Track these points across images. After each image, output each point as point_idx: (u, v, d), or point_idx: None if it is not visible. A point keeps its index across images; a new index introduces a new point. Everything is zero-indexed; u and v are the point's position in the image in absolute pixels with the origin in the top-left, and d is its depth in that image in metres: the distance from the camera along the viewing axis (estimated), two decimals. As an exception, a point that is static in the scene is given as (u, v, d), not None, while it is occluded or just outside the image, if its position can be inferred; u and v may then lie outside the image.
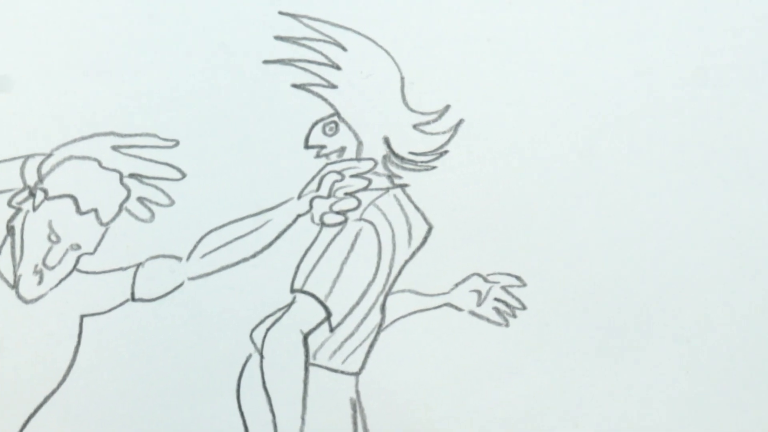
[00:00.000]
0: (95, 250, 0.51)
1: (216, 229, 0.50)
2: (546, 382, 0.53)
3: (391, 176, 0.52)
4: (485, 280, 0.51)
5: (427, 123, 0.51)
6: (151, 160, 0.51)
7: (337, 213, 0.51)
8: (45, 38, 0.50)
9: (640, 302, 0.53)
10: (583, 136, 0.53)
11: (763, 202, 0.54)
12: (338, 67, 0.51)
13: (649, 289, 0.53)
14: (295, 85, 0.51)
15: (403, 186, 0.51)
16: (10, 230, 0.50)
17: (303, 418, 0.51)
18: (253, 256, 0.50)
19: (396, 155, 0.51)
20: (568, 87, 0.53)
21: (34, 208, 0.50)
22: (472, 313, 0.51)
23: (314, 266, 0.51)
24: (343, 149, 0.51)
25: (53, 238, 0.50)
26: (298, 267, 0.51)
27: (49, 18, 0.50)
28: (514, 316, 0.51)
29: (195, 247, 0.50)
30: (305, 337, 0.51)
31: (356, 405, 0.51)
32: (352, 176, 0.51)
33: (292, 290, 0.51)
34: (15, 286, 0.50)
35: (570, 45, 0.52)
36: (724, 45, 0.53)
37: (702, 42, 0.53)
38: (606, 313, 0.52)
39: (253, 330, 0.51)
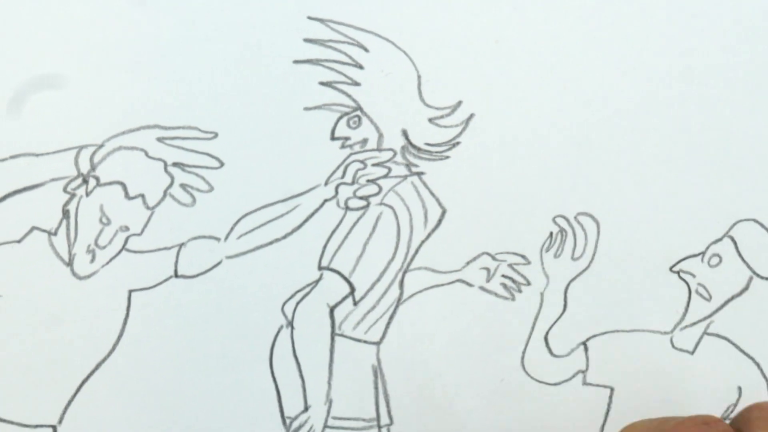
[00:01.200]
0: (142, 231, 0.51)
1: (251, 212, 0.51)
2: (546, 351, 0.54)
3: (408, 165, 0.53)
4: (493, 258, 0.52)
5: (441, 117, 0.52)
6: (192, 151, 0.51)
7: (360, 198, 0.52)
8: (95, 41, 0.50)
9: (630, 281, 0.53)
10: (580, 130, 0.53)
11: (747, 194, 0.54)
12: (361, 67, 0.51)
13: (643, 266, 0.53)
14: (322, 83, 0.51)
15: (419, 174, 0.53)
16: (66, 213, 0.50)
17: (329, 383, 0.52)
18: (284, 237, 0.51)
19: (413, 146, 0.52)
20: (566, 85, 0.53)
21: (87, 194, 0.50)
22: (482, 288, 0.53)
23: (339, 246, 0.52)
24: (365, 141, 0.52)
25: (104, 220, 0.50)
26: (324, 247, 0.52)
27: (98, 23, 0.50)
28: (520, 291, 0.53)
29: (232, 228, 0.51)
30: (331, 310, 0.52)
31: (377, 371, 0.52)
32: (373, 165, 0.52)
33: (320, 268, 0.52)
34: (70, 263, 0.50)
35: (568, 47, 0.53)
36: (710, 47, 0.53)
37: (689, 45, 0.53)
38: (601, 288, 0.53)
39: (284, 304, 0.52)
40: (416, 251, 0.53)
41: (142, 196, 0.51)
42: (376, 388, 0.52)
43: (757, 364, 0.54)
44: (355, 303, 0.52)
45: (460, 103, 0.52)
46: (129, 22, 0.50)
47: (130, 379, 0.51)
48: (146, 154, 0.51)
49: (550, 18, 0.53)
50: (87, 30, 0.50)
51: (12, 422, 0.50)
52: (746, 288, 0.54)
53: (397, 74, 0.52)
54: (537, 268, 0.53)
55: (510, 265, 0.53)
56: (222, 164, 0.51)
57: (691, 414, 0.51)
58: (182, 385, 0.51)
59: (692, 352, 0.53)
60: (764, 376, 0.54)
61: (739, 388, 0.53)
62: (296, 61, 0.51)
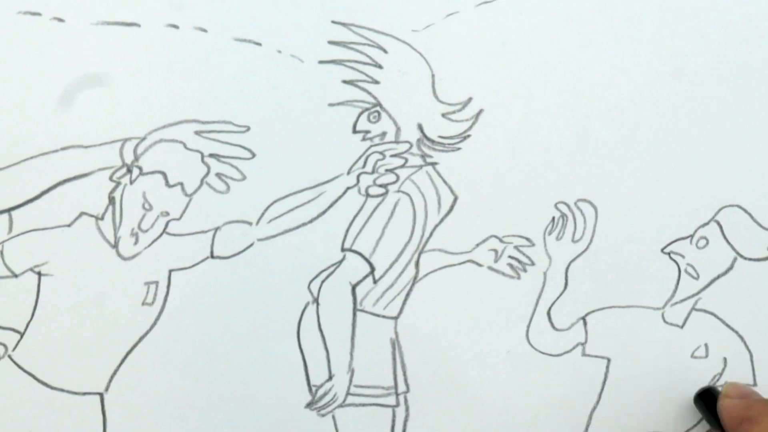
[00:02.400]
0: (181, 216, 0.51)
1: (280, 199, 0.52)
2: (549, 325, 0.54)
3: (423, 156, 0.53)
4: (501, 240, 0.53)
5: (453, 112, 0.53)
6: (226, 143, 0.52)
7: (380, 186, 0.53)
8: (138, 43, 0.50)
9: (625, 262, 0.54)
10: (579, 124, 0.54)
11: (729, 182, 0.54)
12: (380, 66, 0.52)
13: (637, 248, 0.54)
14: (345, 81, 0.52)
15: (433, 164, 0.53)
16: (112, 200, 0.51)
17: (351, 354, 0.53)
18: (310, 221, 0.52)
19: (428, 138, 0.53)
20: (567, 83, 0.53)
21: (131, 182, 0.51)
22: (490, 268, 0.53)
23: (361, 229, 0.53)
24: (384, 134, 0.53)
25: (146, 206, 0.51)
26: (347, 230, 0.53)
27: (141, 27, 0.50)
28: (525, 270, 0.54)
29: (263, 214, 0.52)
30: (353, 288, 0.53)
31: (395, 343, 0.53)
32: (391, 156, 0.53)
33: (343, 249, 0.53)
34: (115, 245, 0.51)
35: (569, 48, 0.53)
36: (697, 51, 0.54)
37: (678, 49, 0.54)
38: (599, 268, 0.54)
39: (310, 282, 0.52)
40: (430, 234, 0.53)
41: (181, 184, 0.51)
42: (394, 359, 0.53)
43: (741, 338, 0.54)
44: (375, 281, 0.53)
45: (470, 99, 0.53)
46: (169, 27, 0.51)
47: (171, 351, 0.51)
48: (185, 146, 0.51)
49: (552, 22, 0.53)
50: (130, 33, 0.50)
51: (64, 390, 0.50)
52: (731, 268, 0.54)
53: (413, 73, 0.53)
54: (540, 249, 0.54)
55: (516, 247, 0.53)
56: (254, 155, 0.52)
57: (679, 382, 0.53)
58: (217, 356, 0.52)
59: (682, 326, 0.54)
60: (748, 349, 0.54)
61: (725, 359, 0.54)
62: (321, 62, 0.52)
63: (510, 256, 0.53)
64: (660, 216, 0.54)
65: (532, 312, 0.53)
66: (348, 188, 0.53)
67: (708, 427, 0.54)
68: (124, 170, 0.51)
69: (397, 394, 0.53)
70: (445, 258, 0.53)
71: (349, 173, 0.53)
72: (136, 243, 0.51)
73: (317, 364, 0.53)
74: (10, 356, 0.50)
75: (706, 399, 0.52)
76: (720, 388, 0.52)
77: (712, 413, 0.51)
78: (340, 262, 0.53)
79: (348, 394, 0.53)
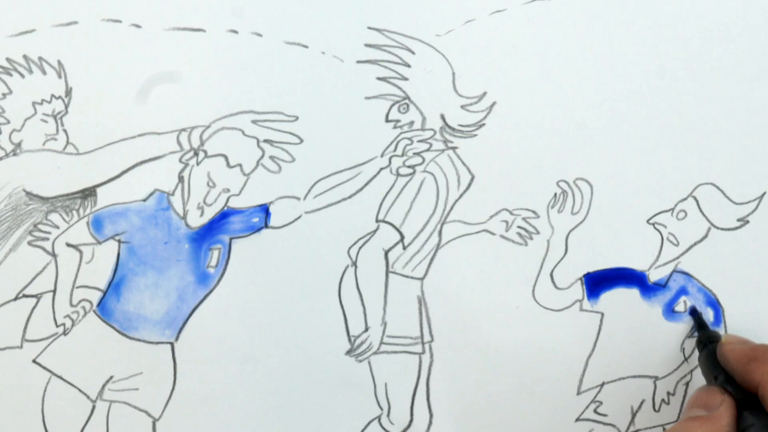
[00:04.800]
0: (240, 192, 0.52)
1: (324, 177, 0.53)
2: (551, 284, 0.55)
3: (445, 141, 0.54)
4: (511, 213, 0.54)
5: (470, 104, 0.53)
6: (278, 130, 0.52)
7: (408, 167, 0.54)
8: (204, 45, 0.51)
9: (616, 231, 0.54)
10: (578, 114, 0.54)
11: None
12: (408, 65, 0.53)
13: (626, 219, 0.55)
14: (379, 78, 0.53)
15: (454, 148, 0.54)
16: (181, 179, 0.52)
17: (384, 309, 0.54)
18: (350, 196, 0.53)
19: (449, 126, 0.53)
20: (567, 80, 0.54)
21: (198, 164, 0.52)
22: (502, 236, 0.54)
23: (392, 204, 0.54)
24: (412, 122, 0.53)
25: (210, 184, 0.52)
26: (380, 204, 0.54)
27: (207, 31, 0.51)
28: (531, 238, 0.54)
29: (309, 190, 0.53)
30: (386, 253, 0.54)
31: (421, 300, 0.54)
32: (418, 141, 0.53)
33: (377, 220, 0.54)
34: (184, 217, 0.52)
35: (569, 50, 0.54)
36: (678, 50, 0.54)
37: (661, 49, 0.54)
38: (594, 236, 0.54)
39: (349, 248, 0.54)
40: (451, 208, 0.54)
41: (240, 165, 0.52)
42: (421, 313, 0.54)
43: (714, 294, 0.55)
44: (404, 248, 0.54)
45: (485, 93, 0.53)
46: (230, 32, 0.52)
47: (231, 307, 0.53)
48: (243, 133, 0.52)
49: (554, 29, 0.53)
50: (197, 37, 0.52)
51: (140, 340, 0.53)
52: (706, 236, 0.54)
53: (436, 71, 0.53)
54: (544, 220, 0.54)
55: (524, 218, 0.54)
56: (301, 140, 0.53)
57: (662, 331, 0.52)
58: (271, 311, 0.53)
59: (664, 285, 0.54)
60: (719, 302, 0.54)
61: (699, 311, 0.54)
62: (359, 61, 0.52)
63: (519, 226, 0.54)
64: (645, 192, 0.54)
65: (537, 273, 0.54)
66: (381, 169, 0.53)
67: (687, 370, 0.54)
68: (191, 153, 0.52)
69: (423, 343, 0.54)
70: (463, 228, 0.54)
71: (382, 156, 0.53)
72: (201, 215, 0.52)
73: (355, 318, 0.54)
74: (94, 311, 0.52)
75: (702, 345, 0.51)
76: (714, 334, 0.52)
77: (708, 359, 0.50)
78: (375, 231, 0.54)
79: (381, 343, 0.54)
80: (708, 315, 0.54)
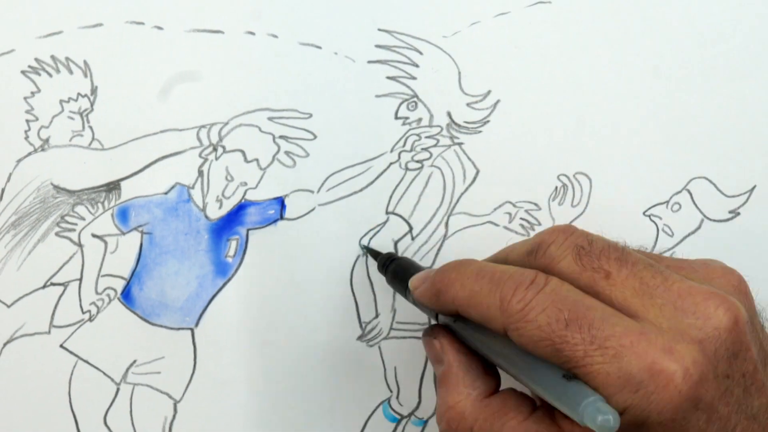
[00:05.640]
0: (257, 185, 0.53)
1: (336, 171, 0.53)
2: None
3: (452, 137, 0.54)
4: (514, 205, 0.54)
5: (476, 102, 0.54)
6: (293, 127, 0.53)
7: (416, 162, 0.54)
8: (223, 45, 0.52)
9: (613, 222, 0.54)
10: (577, 111, 0.55)
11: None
12: (417, 65, 0.53)
13: (623, 211, 0.55)
14: (388, 77, 0.53)
15: (460, 144, 0.54)
16: (200, 173, 0.52)
17: (394, 297, 0.54)
18: (361, 190, 0.54)
19: (455, 123, 0.54)
20: (567, 79, 0.54)
21: (216, 158, 0.52)
22: (506, 227, 0.55)
23: (401, 197, 0.54)
24: (420, 119, 0.54)
25: (228, 178, 0.52)
26: (390, 197, 0.54)
27: (226, 33, 0.52)
28: (533, 229, 0.55)
29: (322, 183, 0.53)
30: (395, 244, 0.54)
31: None
32: (426, 137, 0.54)
33: (387, 212, 0.54)
34: (203, 209, 0.52)
35: (569, 51, 0.54)
36: (672, 51, 0.55)
37: (656, 50, 0.55)
38: (593, 228, 0.49)
39: (360, 239, 0.54)
40: (457, 200, 0.54)
41: (257, 160, 0.53)
42: None
43: None
44: (413, 238, 0.54)
45: (489, 92, 0.54)
46: (247, 33, 0.52)
47: (248, 294, 0.53)
48: (260, 129, 0.52)
49: (555, 31, 0.54)
50: (216, 38, 0.52)
51: (162, 326, 0.53)
52: (699, 227, 0.55)
53: (443, 71, 0.53)
54: (546, 212, 0.55)
55: (526, 210, 0.54)
56: (315, 137, 0.53)
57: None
58: (285, 298, 0.54)
59: None
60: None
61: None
62: (370, 61, 0.53)
63: (521, 218, 0.54)
64: (642, 185, 0.55)
65: None
66: (391, 163, 0.54)
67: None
68: (210, 149, 0.52)
69: None
70: (469, 219, 0.54)
71: (391, 151, 0.53)
72: (220, 207, 0.52)
73: (366, 305, 0.54)
74: (119, 299, 0.53)
75: (384, 269, 0.51)
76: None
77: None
78: (385, 222, 0.54)
79: (391, 329, 0.54)
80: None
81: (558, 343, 0.37)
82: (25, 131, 0.51)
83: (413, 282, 0.46)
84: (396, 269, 0.50)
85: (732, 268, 0.43)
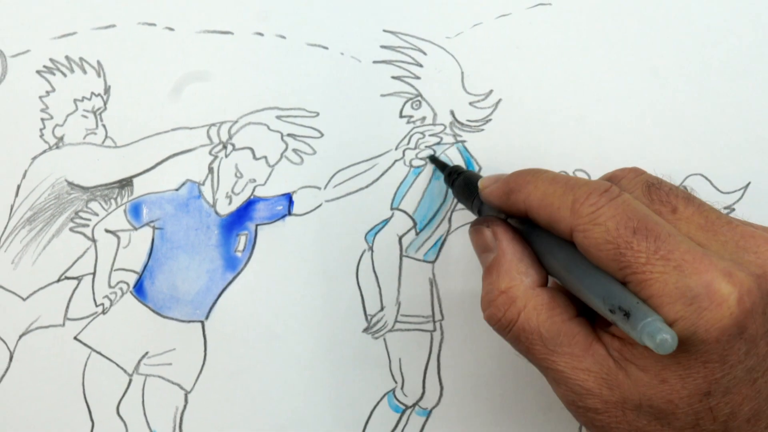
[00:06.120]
0: (266, 182, 0.53)
1: (343, 168, 0.54)
2: None
3: (455, 135, 0.54)
4: None
5: (478, 101, 0.54)
6: (301, 125, 0.53)
7: (420, 159, 0.54)
8: (232, 46, 0.52)
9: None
10: (576, 110, 0.54)
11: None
12: (421, 65, 0.53)
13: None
14: (393, 77, 0.53)
15: (462, 141, 0.54)
16: (211, 170, 0.53)
17: (398, 290, 0.54)
18: (367, 186, 0.54)
19: (458, 122, 0.54)
20: (566, 78, 0.54)
21: (226, 156, 0.53)
22: None
23: (405, 193, 0.54)
24: (424, 118, 0.54)
25: (238, 174, 0.53)
26: (395, 193, 0.54)
27: (235, 34, 0.52)
28: None
29: (329, 180, 0.53)
30: (400, 239, 0.54)
31: (432, 282, 0.55)
32: (430, 135, 0.54)
33: (391, 208, 0.54)
34: (213, 205, 0.53)
35: (569, 51, 0.54)
36: (670, 51, 0.55)
37: (654, 51, 0.55)
38: None
39: (366, 234, 0.54)
40: None
41: (265, 157, 0.53)
42: (432, 294, 0.55)
43: None
44: (417, 233, 0.54)
45: (491, 91, 0.54)
46: (256, 34, 0.53)
47: (257, 288, 0.53)
48: (268, 127, 0.53)
49: (555, 31, 0.54)
50: (225, 39, 0.53)
51: (173, 318, 0.53)
52: None
53: (446, 71, 0.54)
54: None
55: None
56: (322, 135, 0.53)
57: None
58: (293, 292, 0.54)
59: None
60: None
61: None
62: (375, 62, 0.53)
63: None
64: None
65: None
66: (396, 161, 0.54)
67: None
68: (220, 146, 0.53)
69: (434, 322, 0.54)
70: (471, 215, 0.52)
71: (396, 149, 0.54)
72: (230, 203, 0.53)
73: (372, 298, 0.54)
74: (131, 292, 0.53)
75: (452, 180, 0.51)
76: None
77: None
78: (390, 218, 0.54)
79: (396, 321, 0.54)
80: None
81: (623, 247, 0.37)
82: (41, 129, 0.52)
83: (483, 181, 0.46)
84: (464, 179, 0.50)
85: None
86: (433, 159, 0.53)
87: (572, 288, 0.40)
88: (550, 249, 0.41)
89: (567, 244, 0.40)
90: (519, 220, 0.44)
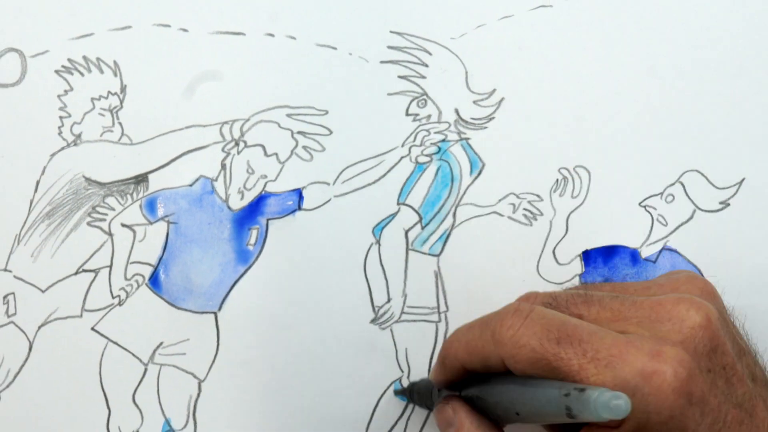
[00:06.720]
0: (276, 178, 0.53)
1: (351, 165, 0.54)
2: (554, 260, 0.55)
3: (459, 133, 0.55)
4: (518, 196, 0.55)
5: (481, 100, 0.55)
6: (310, 123, 0.53)
7: (426, 155, 0.55)
8: (243, 47, 0.53)
9: (611, 212, 0.55)
10: (577, 108, 0.55)
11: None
12: (426, 65, 0.54)
13: (620, 202, 0.55)
14: (400, 77, 0.54)
15: (466, 139, 0.55)
16: (223, 166, 0.53)
17: (405, 283, 0.55)
18: (374, 182, 0.54)
19: (462, 120, 0.55)
20: (567, 77, 0.55)
21: (238, 153, 0.53)
22: (510, 217, 0.55)
23: (411, 188, 0.55)
24: (429, 116, 0.54)
25: (250, 171, 0.53)
26: (401, 189, 0.55)
27: (246, 35, 0.53)
28: (536, 219, 0.55)
29: (338, 176, 0.54)
30: (406, 233, 0.54)
31: (438, 274, 0.55)
32: (435, 133, 0.54)
33: (398, 203, 0.55)
34: (226, 200, 0.53)
35: (569, 51, 0.55)
36: (668, 51, 0.56)
37: (652, 50, 0.55)
38: (592, 217, 0.54)
39: (374, 228, 0.54)
40: (464, 192, 0.55)
41: (276, 154, 0.53)
42: (437, 286, 0.55)
43: (698, 269, 0.55)
44: (423, 228, 0.55)
45: (494, 90, 0.55)
46: (267, 35, 0.54)
47: (268, 280, 0.54)
48: (279, 125, 0.53)
49: (556, 32, 0.55)
50: (238, 40, 0.53)
51: (187, 310, 0.54)
52: (691, 218, 0.55)
53: (451, 70, 0.54)
54: (547, 203, 0.55)
55: (529, 201, 0.55)
56: (331, 132, 0.54)
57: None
58: (303, 285, 0.54)
59: (654, 261, 0.54)
60: (702, 275, 0.54)
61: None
62: (382, 62, 0.54)
63: (524, 209, 0.55)
64: (637, 178, 0.55)
65: (540, 251, 0.55)
66: (402, 157, 0.54)
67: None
68: (232, 143, 0.53)
69: (439, 313, 0.55)
70: (475, 210, 0.55)
71: (402, 146, 0.54)
72: (242, 199, 0.53)
73: (379, 290, 0.54)
74: (146, 284, 0.53)
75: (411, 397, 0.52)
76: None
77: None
78: (396, 213, 0.54)
79: (402, 312, 0.54)
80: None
81: (553, 360, 0.38)
82: (59, 127, 0.53)
83: (430, 377, 0.48)
84: (419, 388, 0.51)
85: (695, 273, 0.44)
86: (401, 391, 0.54)
87: (529, 418, 0.40)
88: (491, 393, 0.42)
89: (507, 377, 0.41)
90: (471, 384, 0.45)
